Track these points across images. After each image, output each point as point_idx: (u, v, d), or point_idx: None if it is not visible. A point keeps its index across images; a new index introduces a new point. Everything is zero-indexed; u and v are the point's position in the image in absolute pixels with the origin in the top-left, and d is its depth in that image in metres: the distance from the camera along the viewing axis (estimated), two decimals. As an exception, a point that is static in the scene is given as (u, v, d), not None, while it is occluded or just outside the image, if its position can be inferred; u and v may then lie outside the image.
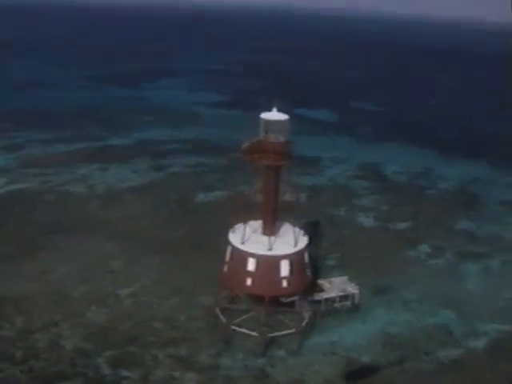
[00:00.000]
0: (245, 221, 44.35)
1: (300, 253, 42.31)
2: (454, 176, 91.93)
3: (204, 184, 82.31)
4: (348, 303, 49.75)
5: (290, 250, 41.78)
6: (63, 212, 68.69)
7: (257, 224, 44.82)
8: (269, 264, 41.16)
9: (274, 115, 40.65)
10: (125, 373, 40.21)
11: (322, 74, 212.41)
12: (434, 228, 70.16)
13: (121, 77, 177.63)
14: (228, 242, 43.53)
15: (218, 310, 45.72)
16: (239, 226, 44.46)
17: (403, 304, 51.98)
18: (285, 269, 41.38)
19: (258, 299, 43.13)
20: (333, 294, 49.19)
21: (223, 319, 44.59)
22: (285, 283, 41.66)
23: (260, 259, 41.02)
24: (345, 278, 52.39)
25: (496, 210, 77.91)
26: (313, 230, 59.93)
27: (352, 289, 50.17)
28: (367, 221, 72.14)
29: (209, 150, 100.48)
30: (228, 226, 44.84)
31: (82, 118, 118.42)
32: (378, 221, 72.15)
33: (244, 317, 44.42)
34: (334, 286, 50.34)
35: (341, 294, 49.54)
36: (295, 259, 41.83)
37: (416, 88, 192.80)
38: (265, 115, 40.80)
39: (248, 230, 43.55)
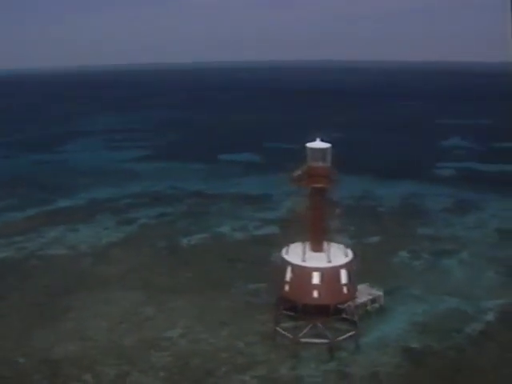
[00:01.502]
0: (287, 244, 49.77)
1: (351, 262, 48.31)
2: (392, 194, 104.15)
3: (180, 230, 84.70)
4: (377, 305, 56.27)
5: (344, 260, 47.65)
6: (61, 274, 67.34)
7: (299, 245, 50.08)
8: (331, 275, 46.56)
9: (318, 144, 47.02)
10: (223, 400, 42.46)
11: (234, 120, 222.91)
12: (401, 237, 79.88)
13: (36, 141, 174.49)
14: (285, 263, 48.15)
15: (279, 329, 49.63)
16: (287, 249, 49.46)
17: (414, 299, 59.68)
18: (344, 277, 47.06)
19: (320, 310, 48.07)
20: (364, 299, 55.45)
21: (289, 335, 48.63)
22: (345, 290, 47.30)
23: (324, 272, 46.32)
24: (365, 284, 58.93)
25: (440, 215, 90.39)
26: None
27: (377, 292, 56.89)
28: (344, 240, 79.77)
29: (163, 200, 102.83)
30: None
31: (18, 185, 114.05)
32: (353, 238, 79.73)
33: (305, 330, 48.80)
34: (362, 292, 56.57)
35: (370, 297, 55.99)
36: (349, 268, 47.73)
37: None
38: (310, 145, 47.04)
39: (298, 250, 48.75)
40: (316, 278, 46.37)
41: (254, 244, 78.36)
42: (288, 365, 46.89)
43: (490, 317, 55.40)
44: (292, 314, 50.92)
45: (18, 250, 76.00)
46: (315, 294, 46.51)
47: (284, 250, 49.60)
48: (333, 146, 47.78)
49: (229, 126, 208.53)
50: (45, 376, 45.92)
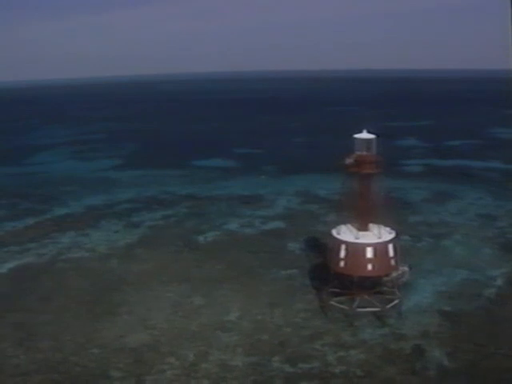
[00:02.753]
0: (335, 226, 56.03)
1: (395, 238, 54.90)
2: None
3: (191, 229, 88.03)
4: (404, 279, 63.26)
5: (390, 236, 54.18)
6: (94, 274, 69.32)
7: (344, 227, 56.17)
8: (382, 249, 52.92)
9: (365, 135, 53.37)
10: (305, 365, 47.40)
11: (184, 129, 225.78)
12: (398, 224, 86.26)
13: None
14: (339, 241, 53.83)
15: (333, 302, 55.34)
16: (338, 229, 55.42)
17: (431, 273, 67.28)
18: (391, 251, 53.57)
19: (370, 282, 54.36)
20: (395, 274, 62.26)
21: (345, 307, 54.50)
22: (393, 262, 53.83)
23: (376, 247, 52.59)
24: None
25: (425, 205, 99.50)
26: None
27: (405, 267, 63.93)
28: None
29: (161, 204, 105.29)
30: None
31: (1, 196, 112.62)
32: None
33: (357, 301, 54.74)
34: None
35: (399, 272, 62.89)
36: (395, 243, 54.33)
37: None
38: (359, 135, 53.32)
39: (346, 230, 54.89)
40: (369, 253, 52.56)
41: (267, 237, 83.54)
42: (348, 332, 52.67)
43: (499, 283, 63.99)
44: (338, 289, 56.88)
45: (39, 256, 76.71)
46: (369, 266, 52.68)
47: (334, 231, 55.41)
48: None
49: (184, 135, 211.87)
50: (129, 362, 48.70)
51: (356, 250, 52.87)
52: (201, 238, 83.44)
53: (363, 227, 55.06)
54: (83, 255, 76.85)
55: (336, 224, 57.06)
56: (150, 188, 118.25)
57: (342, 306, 54.98)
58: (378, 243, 52.94)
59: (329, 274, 56.42)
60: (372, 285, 56.83)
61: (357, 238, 53.29)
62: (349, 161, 53.20)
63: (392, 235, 54.61)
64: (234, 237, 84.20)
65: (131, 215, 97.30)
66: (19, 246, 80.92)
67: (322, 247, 73.03)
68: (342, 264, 53.76)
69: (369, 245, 52.69)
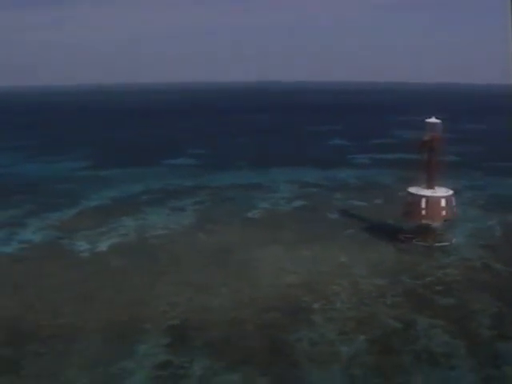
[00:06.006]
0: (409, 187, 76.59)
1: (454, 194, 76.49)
2: (351, 176, 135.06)
3: (233, 210, 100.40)
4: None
5: (451, 192, 75.57)
6: (189, 246, 78.93)
7: (417, 187, 76.47)
8: (450, 200, 74.16)
9: (434, 120, 74.13)
10: (428, 278, 66.22)
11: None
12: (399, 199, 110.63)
13: None
14: (419, 196, 74.02)
15: (415, 241, 75.39)
16: (414, 190, 75.47)
17: (462, 222, 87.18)
18: (453, 202, 75.02)
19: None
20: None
21: (426, 244, 74.79)
22: (455, 210, 75.35)
23: (447, 198, 73.68)
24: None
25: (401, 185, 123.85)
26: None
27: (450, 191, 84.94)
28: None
29: (181, 193, 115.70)
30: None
31: (22, 193, 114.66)
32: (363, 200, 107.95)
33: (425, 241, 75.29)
34: (440, 191, 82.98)
35: (446, 194, 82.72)
36: (454, 197, 75.95)
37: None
38: (429, 120, 73.92)
39: (420, 189, 75.33)
40: (443, 202, 73.52)
41: (302, 211, 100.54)
42: (434, 260, 72.42)
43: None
44: (410, 235, 77.07)
45: (123, 236, 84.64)
46: (443, 213, 73.64)
47: (413, 190, 75.38)
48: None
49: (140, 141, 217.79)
50: (298, 294, 62.02)
51: (434, 201, 73.53)
52: (250, 214, 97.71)
53: (431, 186, 75.84)
54: (164, 232, 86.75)
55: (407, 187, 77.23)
56: (154, 182, 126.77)
57: (423, 244, 75.13)
58: (448, 195, 74.25)
59: (406, 224, 76.20)
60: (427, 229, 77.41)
61: (433, 193, 73.94)
62: (426, 138, 73.67)
63: (451, 192, 76.20)
64: (275, 212, 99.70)
65: (163, 203, 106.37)
66: (91, 230, 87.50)
67: (355, 216, 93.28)
68: (423, 213, 73.96)
69: (443, 197, 73.70)
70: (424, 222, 75.48)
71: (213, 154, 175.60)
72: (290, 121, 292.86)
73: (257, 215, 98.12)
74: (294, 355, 48.57)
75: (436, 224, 78.42)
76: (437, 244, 75.28)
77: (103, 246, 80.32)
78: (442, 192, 74.92)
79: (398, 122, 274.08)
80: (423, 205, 74.19)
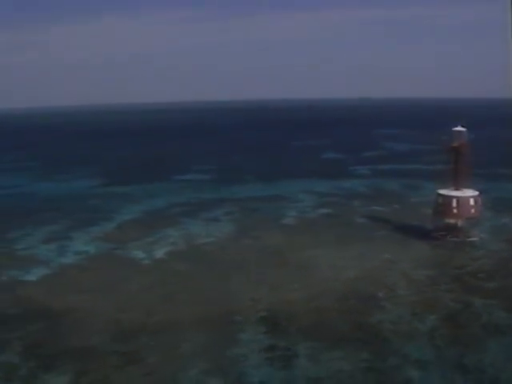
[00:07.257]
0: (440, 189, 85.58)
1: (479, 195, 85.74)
2: (357, 185, 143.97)
3: (268, 218, 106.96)
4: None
5: (477, 193, 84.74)
6: (241, 250, 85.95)
7: (446, 190, 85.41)
8: (477, 200, 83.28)
9: (460, 129, 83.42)
10: (468, 268, 74.60)
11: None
12: (413, 204, 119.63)
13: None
14: (450, 197, 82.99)
15: (450, 238, 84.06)
16: (444, 192, 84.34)
17: (486, 220, 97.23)
18: (480, 201, 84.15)
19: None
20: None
21: (454, 238, 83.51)
22: (481, 209, 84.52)
23: (475, 198, 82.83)
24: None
25: (408, 191, 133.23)
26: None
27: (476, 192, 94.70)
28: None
29: (208, 205, 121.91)
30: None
31: (52, 210, 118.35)
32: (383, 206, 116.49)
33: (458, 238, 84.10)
34: (467, 192, 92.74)
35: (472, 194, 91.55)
36: (480, 197, 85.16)
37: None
38: (456, 129, 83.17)
39: (449, 190, 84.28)
40: (472, 201, 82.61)
41: (330, 217, 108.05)
42: (466, 253, 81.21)
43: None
44: (443, 233, 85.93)
45: (174, 244, 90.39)
46: (472, 210, 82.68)
47: (444, 192, 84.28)
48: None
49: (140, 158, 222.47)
50: (363, 286, 69.49)
51: (464, 201, 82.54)
52: (284, 221, 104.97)
53: (458, 188, 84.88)
54: (210, 240, 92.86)
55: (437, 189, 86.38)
56: (172, 197, 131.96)
57: (456, 239, 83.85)
58: (475, 195, 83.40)
59: (432, 224, 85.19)
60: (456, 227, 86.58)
61: (463, 193, 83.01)
62: (454, 144, 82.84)
63: (477, 192, 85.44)
64: (306, 219, 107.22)
65: (195, 215, 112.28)
66: (140, 241, 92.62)
67: (380, 219, 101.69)
68: (454, 211, 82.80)
69: (471, 196, 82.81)
70: (454, 220, 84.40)
71: (216, 169, 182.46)
72: (270, 138, 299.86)
73: (291, 222, 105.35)
74: (382, 333, 55.86)
75: (461, 222, 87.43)
76: (467, 239, 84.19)
77: (160, 254, 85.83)
78: (469, 193, 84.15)
79: (384, 135, 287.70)
80: (454, 204, 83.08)
